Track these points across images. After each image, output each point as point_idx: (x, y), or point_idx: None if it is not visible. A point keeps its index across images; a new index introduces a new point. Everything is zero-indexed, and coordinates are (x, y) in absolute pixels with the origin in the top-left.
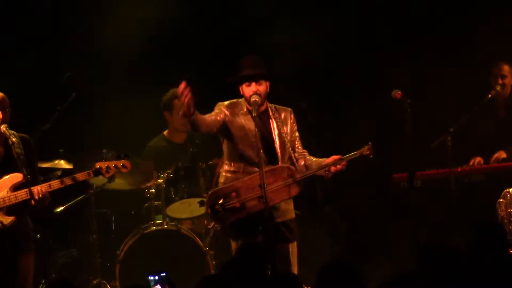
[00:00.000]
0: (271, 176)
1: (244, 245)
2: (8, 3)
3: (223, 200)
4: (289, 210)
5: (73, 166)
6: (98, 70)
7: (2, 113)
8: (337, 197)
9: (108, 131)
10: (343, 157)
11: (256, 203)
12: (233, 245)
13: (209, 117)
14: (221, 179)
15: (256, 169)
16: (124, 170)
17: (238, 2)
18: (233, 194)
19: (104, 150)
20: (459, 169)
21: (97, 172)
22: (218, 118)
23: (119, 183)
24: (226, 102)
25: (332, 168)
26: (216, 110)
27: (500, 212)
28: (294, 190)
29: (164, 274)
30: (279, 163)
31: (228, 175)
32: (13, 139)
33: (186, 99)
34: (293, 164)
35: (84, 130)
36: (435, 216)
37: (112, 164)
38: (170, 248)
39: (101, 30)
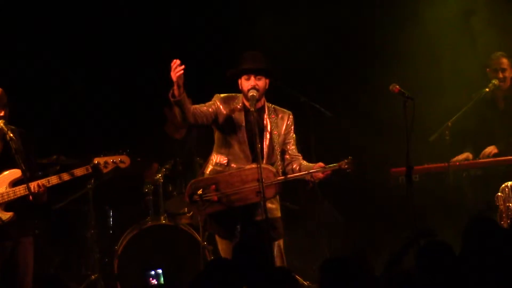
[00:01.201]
0: (251, 175)
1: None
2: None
3: (202, 191)
4: (272, 209)
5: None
6: (97, 64)
7: (1, 109)
8: (335, 192)
9: (108, 128)
10: (325, 166)
11: (234, 199)
12: (219, 241)
13: (202, 107)
14: (207, 170)
15: (240, 165)
16: (122, 165)
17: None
18: (213, 187)
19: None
20: (457, 163)
21: (95, 168)
22: (210, 110)
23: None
24: (223, 95)
25: (315, 175)
26: (210, 102)
27: (499, 206)
28: (270, 192)
29: (160, 270)
30: (264, 161)
31: (213, 167)
32: (11, 135)
33: (176, 75)
34: (277, 164)
35: (83, 126)
36: (433, 210)
37: (110, 159)
38: (168, 243)
39: (100, 25)
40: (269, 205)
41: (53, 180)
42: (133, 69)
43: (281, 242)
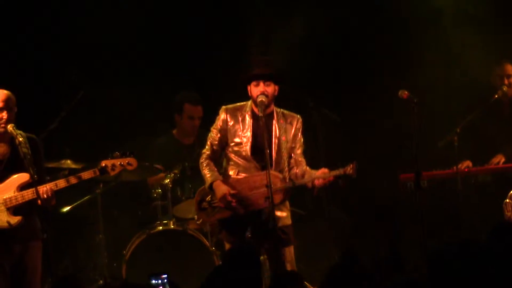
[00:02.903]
0: (259, 181)
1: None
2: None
3: (210, 198)
4: (283, 217)
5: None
6: (104, 68)
7: (8, 113)
8: (342, 197)
9: (115, 131)
10: (329, 172)
11: (241, 205)
12: (226, 246)
13: (214, 141)
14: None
15: (247, 174)
16: (129, 167)
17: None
18: None
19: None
20: (466, 169)
21: (103, 171)
22: (219, 135)
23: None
24: (230, 106)
25: (317, 182)
26: (216, 122)
27: (506, 213)
28: (277, 198)
29: (165, 276)
30: (272, 168)
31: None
32: (20, 139)
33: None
34: (284, 169)
35: (91, 129)
36: (442, 216)
37: (117, 162)
38: (177, 248)
39: (103, 28)
40: (278, 213)
41: (61, 183)
42: (141, 72)
43: (291, 248)
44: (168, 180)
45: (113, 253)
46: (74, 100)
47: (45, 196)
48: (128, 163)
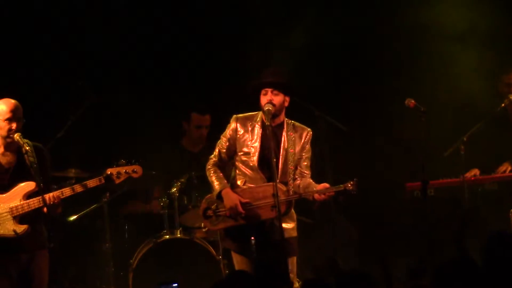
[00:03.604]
0: (262, 192)
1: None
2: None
3: (215, 206)
4: (288, 229)
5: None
6: (110, 77)
7: (17, 123)
8: (350, 206)
9: (122, 140)
10: (330, 187)
11: (246, 215)
12: (234, 256)
13: (222, 149)
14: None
15: (253, 184)
16: (135, 175)
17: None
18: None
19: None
20: (472, 178)
21: (108, 179)
22: (229, 144)
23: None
24: (241, 115)
25: (316, 196)
26: (226, 130)
27: None
28: (280, 210)
29: (176, 285)
30: (278, 179)
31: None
32: (27, 148)
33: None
34: (288, 182)
35: (98, 139)
36: (448, 224)
37: (123, 169)
38: (183, 257)
39: (110, 40)
40: (284, 225)
41: (67, 192)
42: (148, 81)
43: (294, 259)
44: (175, 189)
45: (120, 262)
46: (81, 109)
47: (50, 203)
48: (134, 171)
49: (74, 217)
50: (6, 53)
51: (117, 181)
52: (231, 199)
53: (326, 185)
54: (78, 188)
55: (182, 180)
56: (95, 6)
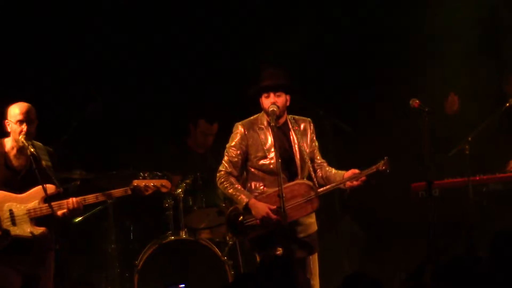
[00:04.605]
0: (289, 192)
1: (263, 261)
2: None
3: (242, 217)
4: (311, 224)
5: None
6: (115, 80)
7: (28, 125)
8: (355, 207)
9: (127, 141)
10: (361, 172)
11: (278, 221)
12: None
13: (233, 158)
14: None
15: (276, 187)
16: (164, 190)
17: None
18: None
19: (132, 169)
20: (477, 178)
21: (135, 191)
22: (239, 152)
23: None
24: (243, 121)
25: (348, 184)
26: (234, 139)
27: None
28: (313, 206)
29: (183, 285)
30: (299, 176)
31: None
32: (32, 150)
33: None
34: (311, 175)
35: (103, 140)
36: (453, 225)
37: (151, 183)
38: (189, 258)
39: (115, 41)
40: (307, 220)
41: (90, 199)
42: (154, 82)
43: (315, 256)
44: (180, 190)
45: (125, 264)
46: (86, 111)
47: (71, 208)
48: (162, 185)
49: (80, 218)
50: (12, 56)
51: (145, 194)
52: (260, 209)
53: (355, 170)
54: (101, 197)
55: (187, 181)
56: (97, 8)
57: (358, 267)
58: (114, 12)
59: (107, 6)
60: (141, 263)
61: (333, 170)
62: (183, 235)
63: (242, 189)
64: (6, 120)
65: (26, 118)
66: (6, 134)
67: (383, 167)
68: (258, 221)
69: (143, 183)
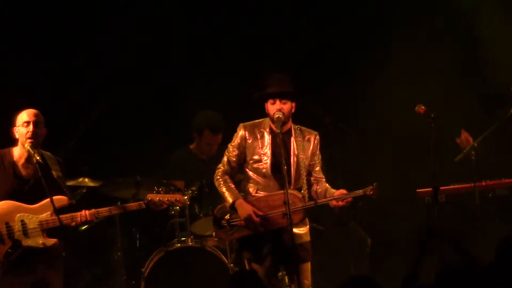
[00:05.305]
0: (278, 200)
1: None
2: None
3: (229, 216)
4: (301, 235)
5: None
6: (120, 87)
7: (35, 128)
8: (361, 212)
9: (133, 149)
10: (348, 193)
11: (261, 224)
12: (253, 266)
13: (232, 158)
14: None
15: (268, 192)
16: (178, 204)
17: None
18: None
19: (138, 177)
20: (483, 183)
21: (149, 205)
22: (237, 152)
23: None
24: (247, 123)
25: (333, 203)
26: (234, 140)
27: None
28: (296, 218)
29: None
30: (292, 186)
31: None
32: (37, 158)
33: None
34: (303, 187)
35: (109, 148)
36: (460, 231)
37: (165, 197)
38: (195, 265)
39: (120, 46)
40: (297, 230)
41: (103, 212)
42: (160, 88)
43: (308, 265)
44: (186, 197)
45: (132, 271)
46: (92, 118)
47: (83, 220)
48: (177, 200)
49: (86, 225)
50: (19, 62)
51: (157, 209)
52: (245, 209)
53: (344, 191)
54: (115, 210)
55: (193, 188)
56: (104, 13)
57: (365, 272)
58: (121, 15)
59: (115, 11)
60: (147, 270)
61: (328, 187)
62: (189, 242)
63: (234, 188)
64: (15, 127)
65: (33, 120)
66: (15, 143)
67: (371, 192)
68: (243, 222)
69: (158, 198)
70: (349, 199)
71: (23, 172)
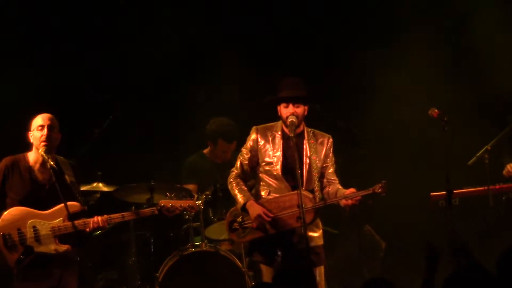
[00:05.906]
0: (288, 201)
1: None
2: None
3: (241, 219)
4: (314, 237)
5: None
6: (134, 91)
7: (49, 131)
8: (376, 216)
9: (146, 153)
10: (356, 192)
11: (272, 225)
12: (262, 268)
13: (244, 160)
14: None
15: (278, 194)
16: (191, 211)
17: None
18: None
19: (152, 182)
20: (497, 187)
21: (162, 211)
22: (250, 155)
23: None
24: (261, 126)
25: (343, 202)
26: (247, 142)
27: None
28: (307, 218)
29: None
30: (303, 187)
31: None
32: (51, 163)
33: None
34: (315, 189)
35: (123, 152)
36: (474, 234)
37: (178, 203)
38: (209, 270)
39: (135, 52)
40: (310, 233)
41: (116, 218)
42: (171, 95)
43: (322, 268)
44: (200, 201)
45: (146, 275)
46: (106, 123)
47: (95, 226)
48: (190, 206)
49: (98, 231)
50: (30, 66)
51: (170, 215)
52: (255, 209)
53: (353, 189)
54: (128, 216)
55: (207, 192)
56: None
57: (379, 276)
58: (131, 23)
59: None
60: (161, 275)
61: (339, 188)
62: (204, 246)
63: (246, 190)
64: (29, 132)
65: (47, 124)
66: (30, 148)
67: (379, 190)
68: (254, 224)
69: (170, 204)
70: (358, 198)
71: (39, 177)
